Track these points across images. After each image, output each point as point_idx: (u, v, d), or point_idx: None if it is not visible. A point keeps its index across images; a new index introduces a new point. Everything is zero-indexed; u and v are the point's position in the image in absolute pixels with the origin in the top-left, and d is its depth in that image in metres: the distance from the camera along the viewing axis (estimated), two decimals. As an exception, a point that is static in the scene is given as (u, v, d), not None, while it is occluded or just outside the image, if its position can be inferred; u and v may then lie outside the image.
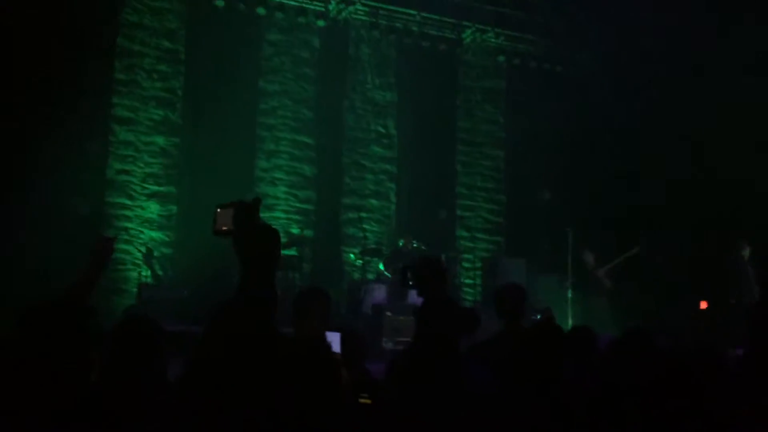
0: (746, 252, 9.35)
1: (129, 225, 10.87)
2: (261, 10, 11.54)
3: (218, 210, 2.53)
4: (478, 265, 12.39)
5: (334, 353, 2.24)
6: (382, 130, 12.93)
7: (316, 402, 1.83)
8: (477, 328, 4.20)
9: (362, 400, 2.33)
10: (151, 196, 11.07)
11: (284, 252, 10.00)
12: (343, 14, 12.38)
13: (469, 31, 13.14)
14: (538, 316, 9.17)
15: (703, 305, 9.81)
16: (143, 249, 10.55)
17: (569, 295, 10.00)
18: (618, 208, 11.36)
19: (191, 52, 11.47)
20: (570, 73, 13.36)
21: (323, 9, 12.18)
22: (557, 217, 11.34)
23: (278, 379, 1.74)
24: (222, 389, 1.82)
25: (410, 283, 4.22)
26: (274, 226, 2.45)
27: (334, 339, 3.61)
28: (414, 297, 7.36)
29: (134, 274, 10.59)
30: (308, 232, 11.79)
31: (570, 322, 9.65)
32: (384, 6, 12.34)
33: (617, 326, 8.27)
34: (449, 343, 3.54)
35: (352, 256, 11.78)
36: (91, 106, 10.59)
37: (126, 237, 10.78)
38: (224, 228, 2.49)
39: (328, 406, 1.86)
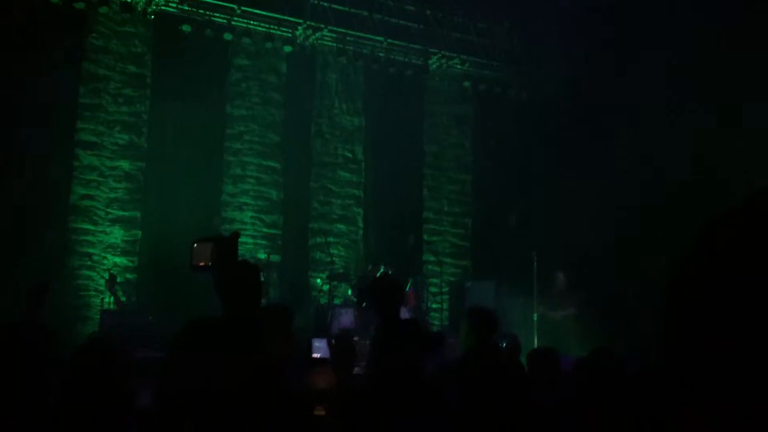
0: None
1: (92, 251, 10.72)
2: (228, 36, 11.55)
3: (195, 245, 2.48)
4: (445, 289, 12.42)
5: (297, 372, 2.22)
6: (350, 155, 12.97)
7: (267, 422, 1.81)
8: (440, 347, 4.20)
9: (317, 412, 2.30)
10: (115, 221, 10.94)
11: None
12: (311, 40, 12.46)
13: (435, 58, 13.30)
14: (504, 344, 9.18)
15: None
16: (106, 275, 10.39)
17: (534, 318, 10.05)
18: (583, 232, 11.48)
19: (157, 76, 11.43)
20: (535, 99, 13.59)
21: (290, 35, 12.24)
22: (523, 241, 11.44)
23: (240, 402, 1.72)
24: (189, 414, 1.79)
25: (364, 303, 4.22)
26: (253, 262, 2.43)
27: (322, 345, 3.60)
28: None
29: (97, 301, 10.42)
30: (275, 257, 11.72)
31: (536, 344, 9.68)
32: (351, 32, 12.44)
33: (583, 347, 8.32)
34: (412, 362, 3.54)
35: (319, 281, 11.73)
36: (55, 131, 10.49)
37: (89, 263, 10.63)
38: (201, 264, 2.45)
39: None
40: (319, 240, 12.26)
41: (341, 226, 12.71)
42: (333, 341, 3.07)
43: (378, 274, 10.83)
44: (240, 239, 10.93)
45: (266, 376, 1.97)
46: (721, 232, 0.67)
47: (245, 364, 1.77)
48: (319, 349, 3.36)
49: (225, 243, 2.27)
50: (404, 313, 9.37)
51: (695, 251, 0.68)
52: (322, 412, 2.28)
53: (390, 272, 10.92)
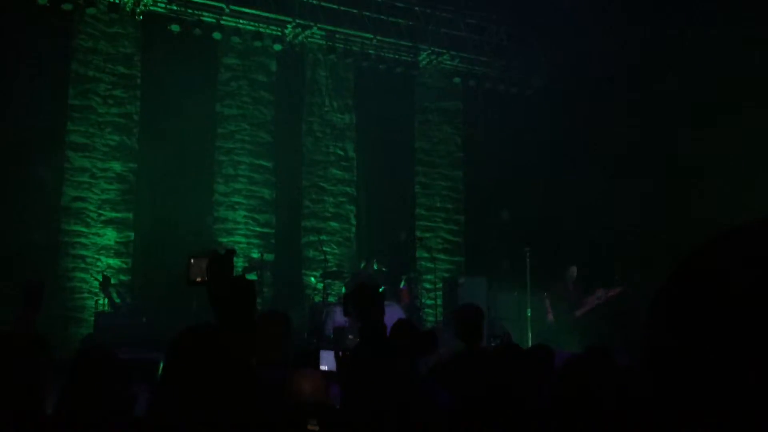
0: None
1: (85, 252, 10.71)
2: (217, 35, 11.53)
3: (191, 260, 2.52)
4: (439, 285, 12.45)
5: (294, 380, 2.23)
6: (341, 153, 12.98)
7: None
8: (435, 350, 4.22)
9: (310, 427, 2.31)
10: (108, 222, 10.93)
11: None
12: (300, 38, 12.45)
13: (424, 54, 13.31)
14: (498, 341, 9.21)
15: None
16: (99, 277, 10.37)
17: (528, 313, 10.07)
18: (577, 227, 11.53)
19: (147, 77, 11.41)
20: (525, 93, 13.63)
21: (280, 33, 12.23)
22: (516, 236, 11.47)
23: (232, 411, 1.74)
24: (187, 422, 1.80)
25: (350, 310, 4.22)
26: (248, 279, 2.45)
27: (328, 357, 3.62)
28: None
29: (91, 303, 10.41)
30: (268, 256, 11.73)
31: (530, 339, 9.73)
32: (340, 30, 12.44)
33: (580, 344, 8.35)
34: (403, 363, 3.53)
35: (312, 279, 11.75)
36: (44, 133, 10.46)
37: (82, 265, 10.63)
38: (198, 279, 2.49)
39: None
40: (312, 238, 12.27)
41: (334, 224, 12.73)
42: (340, 354, 3.08)
43: (371, 271, 10.87)
44: (233, 238, 10.92)
45: (258, 386, 1.99)
46: (697, 267, 0.71)
47: (240, 374, 1.78)
48: (327, 362, 3.38)
49: (220, 259, 2.29)
50: (398, 310, 9.41)
51: (674, 282, 0.72)
52: (316, 427, 2.29)
53: (383, 269, 10.95)
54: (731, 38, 9.95)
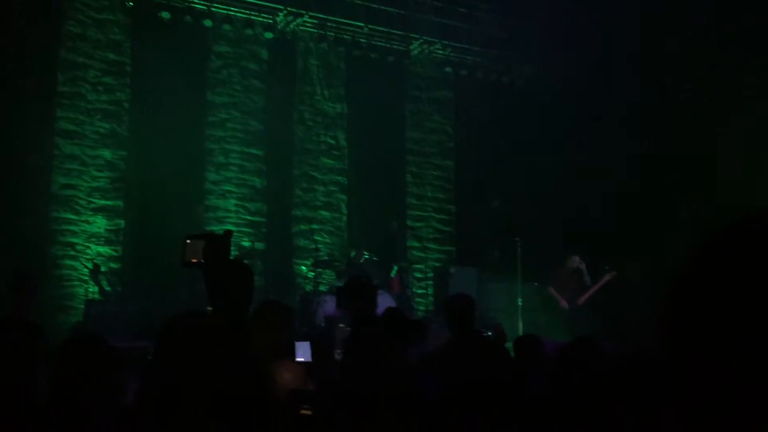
0: None
1: (75, 240, 10.66)
2: (208, 22, 11.46)
3: (188, 241, 2.49)
4: (430, 275, 12.48)
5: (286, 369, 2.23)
6: (332, 142, 12.95)
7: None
8: (424, 338, 4.22)
9: (303, 412, 2.32)
10: (98, 210, 10.88)
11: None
12: (291, 26, 12.39)
13: (416, 43, 13.28)
14: (489, 333, 9.23)
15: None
16: (89, 264, 10.34)
17: (519, 303, 10.11)
18: (565, 216, 11.55)
19: (137, 64, 11.32)
20: (517, 83, 13.63)
21: (271, 21, 12.17)
22: (507, 226, 11.50)
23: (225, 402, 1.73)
24: (177, 409, 1.80)
25: (343, 303, 4.22)
26: (245, 263, 2.42)
27: (304, 347, 3.61)
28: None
29: (81, 291, 10.37)
30: (259, 245, 11.72)
31: (521, 329, 9.77)
32: (332, 18, 12.38)
33: (571, 333, 8.39)
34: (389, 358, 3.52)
35: (303, 268, 11.75)
36: (33, 120, 10.39)
37: (72, 253, 10.58)
38: (194, 260, 2.45)
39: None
40: (303, 227, 12.26)
41: (325, 213, 12.71)
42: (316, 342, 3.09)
43: (362, 260, 10.89)
44: (224, 227, 10.92)
45: (255, 375, 1.99)
46: (721, 248, 0.71)
47: (233, 362, 1.78)
48: (303, 353, 3.37)
49: (217, 241, 2.27)
50: (389, 300, 9.43)
51: (697, 265, 0.73)
52: (309, 412, 2.30)
53: (374, 258, 10.97)
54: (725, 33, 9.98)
